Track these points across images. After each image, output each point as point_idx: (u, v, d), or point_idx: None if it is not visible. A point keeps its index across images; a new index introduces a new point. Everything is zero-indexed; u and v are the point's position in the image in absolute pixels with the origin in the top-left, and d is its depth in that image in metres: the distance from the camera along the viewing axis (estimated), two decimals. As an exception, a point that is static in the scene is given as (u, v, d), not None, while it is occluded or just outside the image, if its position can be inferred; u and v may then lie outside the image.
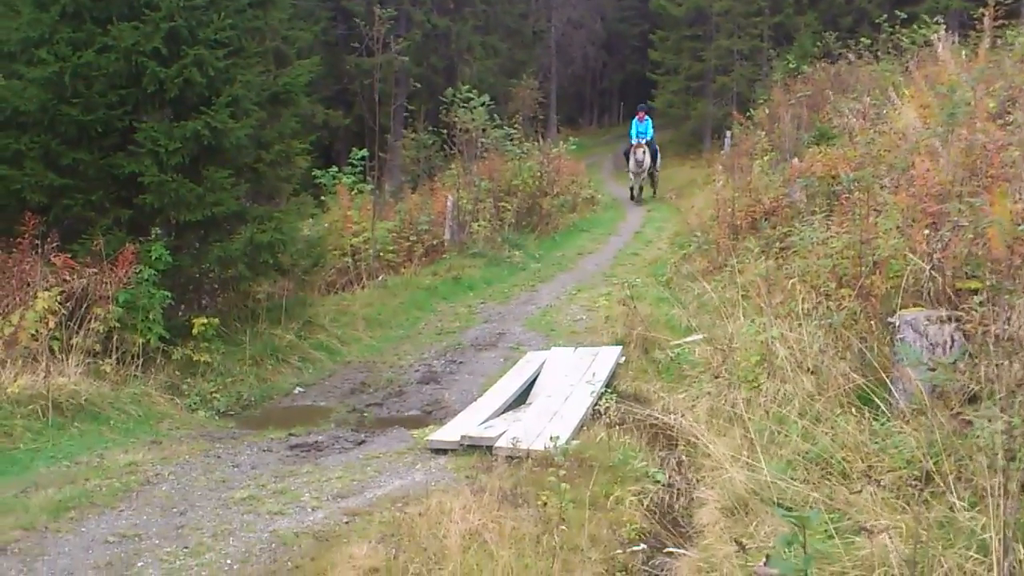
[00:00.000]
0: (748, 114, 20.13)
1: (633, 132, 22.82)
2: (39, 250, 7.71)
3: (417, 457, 6.13)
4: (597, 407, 6.77)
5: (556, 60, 44.81)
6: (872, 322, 5.58)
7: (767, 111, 18.61)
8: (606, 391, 7.11)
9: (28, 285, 7.44)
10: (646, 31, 40.35)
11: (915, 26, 14.39)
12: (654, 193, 23.52)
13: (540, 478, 5.29)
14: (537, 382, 8.01)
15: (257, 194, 10.52)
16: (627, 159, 22.78)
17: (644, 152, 22.12)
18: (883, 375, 4.99)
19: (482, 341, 10.23)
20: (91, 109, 8.50)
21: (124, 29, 8.58)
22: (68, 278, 7.61)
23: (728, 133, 22.58)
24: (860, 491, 4.03)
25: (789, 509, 2.62)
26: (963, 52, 11.18)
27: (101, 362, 7.61)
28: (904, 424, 4.57)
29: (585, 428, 6.43)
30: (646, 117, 22.99)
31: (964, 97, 7.56)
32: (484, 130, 17.28)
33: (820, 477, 4.58)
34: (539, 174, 18.44)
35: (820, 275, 6.81)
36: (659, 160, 23.93)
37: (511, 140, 18.78)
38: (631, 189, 23.48)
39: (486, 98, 17.30)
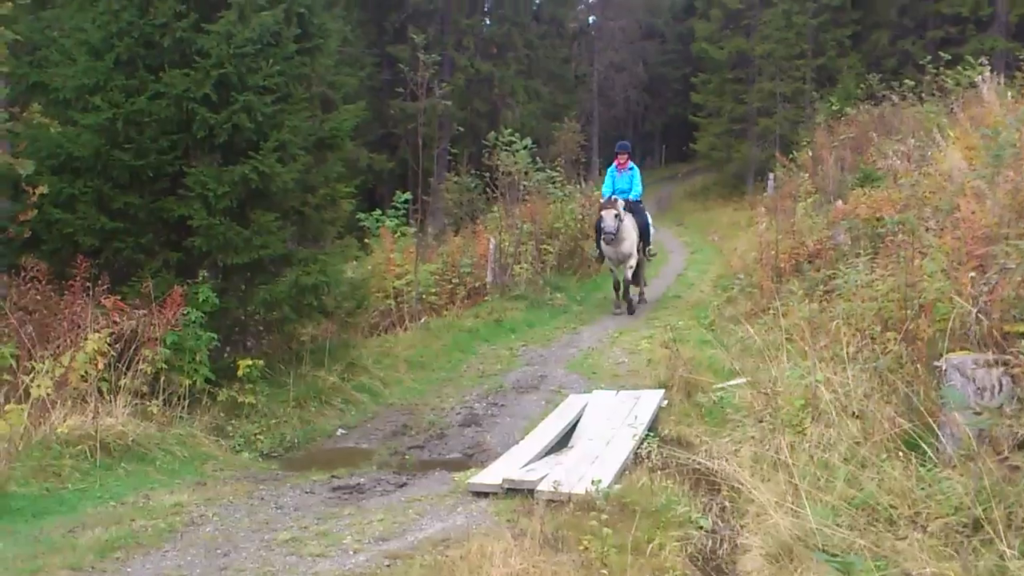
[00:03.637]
0: (791, 156, 20.09)
1: (607, 188, 14.66)
2: (90, 292, 7.84)
3: (458, 500, 6.12)
4: (639, 451, 6.73)
5: (598, 103, 45.22)
6: (918, 366, 5.51)
7: (810, 153, 18.59)
8: (648, 435, 7.06)
9: (79, 327, 7.56)
10: (688, 74, 40.69)
11: (960, 67, 14.34)
12: (639, 296, 14.97)
13: (581, 522, 5.27)
14: (579, 425, 7.97)
15: (302, 237, 10.65)
16: (598, 234, 14.17)
17: (617, 218, 13.51)
18: (930, 420, 4.92)
19: (524, 384, 10.23)
20: (143, 154, 8.70)
21: (175, 76, 8.80)
22: (118, 320, 7.73)
23: (771, 175, 22.50)
24: (906, 538, 3.97)
25: (833, 555, 2.59)
26: (1009, 93, 11.11)
27: (148, 403, 7.70)
28: (952, 470, 4.50)
29: (627, 472, 6.38)
30: (630, 164, 14.69)
31: (1010, 139, 7.50)
32: (526, 173, 17.40)
33: (866, 524, 4.51)
34: (581, 217, 18.47)
35: (865, 318, 6.75)
36: (651, 235, 14.94)
37: (553, 183, 18.89)
38: (614, 286, 14.79)
39: (528, 141, 17.44)
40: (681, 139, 41.46)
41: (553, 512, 5.56)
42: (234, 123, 8.86)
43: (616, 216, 13.52)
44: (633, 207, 14.22)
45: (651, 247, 15.20)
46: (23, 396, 6.89)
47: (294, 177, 9.30)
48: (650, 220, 14.99)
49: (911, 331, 5.89)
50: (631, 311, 14.24)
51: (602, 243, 13.82)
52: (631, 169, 14.61)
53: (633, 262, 14.06)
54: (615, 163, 14.72)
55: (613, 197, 13.98)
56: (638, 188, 14.59)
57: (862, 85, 20.41)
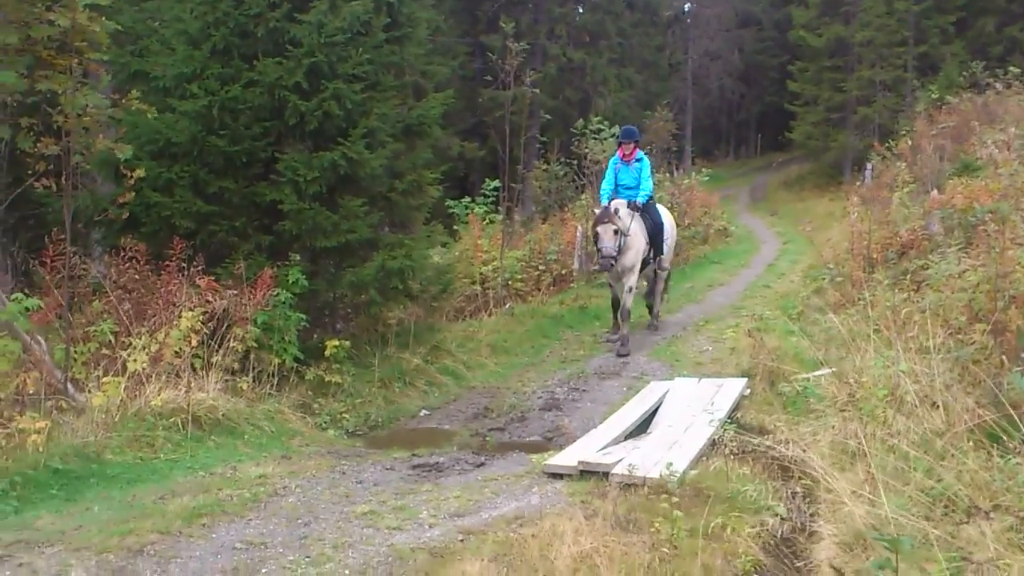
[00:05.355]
0: (889, 145, 19.60)
1: (608, 184, 11.60)
2: (185, 272, 8.16)
3: (534, 481, 6.19)
4: (717, 438, 6.69)
5: (692, 92, 44.68)
6: (1004, 358, 5.38)
7: (909, 142, 18.10)
8: (728, 422, 7.02)
9: (174, 305, 7.87)
10: (785, 62, 39.90)
11: (1069, 53, 13.81)
12: (653, 311, 12.52)
13: (654, 506, 5.28)
14: (659, 411, 7.97)
15: (390, 222, 10.87)
16: (596, 241, 11.04)
17: (618, 235, 10.74)
18: (1012, 412, 4.80)
19: (606, 370, 10.25)
20: (237, 140, 8.99)
21: (268, 65, 9.06)
22: (211, 299, 8.03)
23: (869, 165, 21.99)
24: (975, 525, 3.89)
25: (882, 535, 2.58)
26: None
27: (238, 380, 7.97)
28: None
29: (704, 458, 6.37)
30: (638, 154, 11.59)
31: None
32: (615, 161, 17.31)
33: (943, 515, 4.43)
34: (670, 205, 18.32)
35: (953, 309, 6.60)
36: (669, 239, 12.22)
37: (643, 171, 18.75)
38: (612, 305, 11.97)
39: (617, 129, 17.36)
40: (777, 128, 40.68)
41: (627, 495, 5.59)
42: (324, 110, 9.09)
43: (616, 232, 10.73)
44: (644, 206, 11.37)
45: (665, 259, 11.96)
46: (120, 370, 7.23)
47: (382, 163, 9.50)
48: (669, 221, 12.22)
49: (1000, 322, 5.74)
50: (624, 347, 10.95)
51: (598, 240, 10.88)
52: (639, 161, 11.54)
53: (632, 280, 11.18)
54: (618, 153, 11.65)
55: (612, 207, 10.98)
56: (648, 185, 11.51)
57: (965, 73, 19.76)
